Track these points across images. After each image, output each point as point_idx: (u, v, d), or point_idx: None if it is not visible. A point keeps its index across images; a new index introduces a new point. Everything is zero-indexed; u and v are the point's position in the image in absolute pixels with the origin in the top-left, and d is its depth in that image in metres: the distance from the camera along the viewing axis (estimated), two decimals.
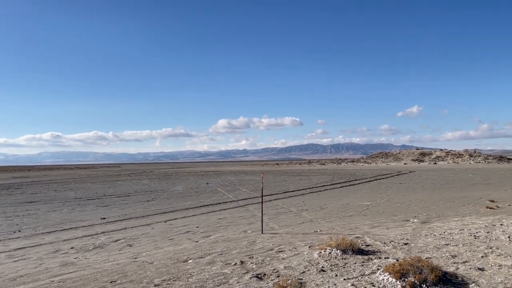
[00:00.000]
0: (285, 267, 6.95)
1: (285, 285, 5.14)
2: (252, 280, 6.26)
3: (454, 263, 6.76)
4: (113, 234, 12.06)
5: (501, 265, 6.58)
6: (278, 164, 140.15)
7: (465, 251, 7.66)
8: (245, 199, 22.78)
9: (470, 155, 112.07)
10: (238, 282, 6.17)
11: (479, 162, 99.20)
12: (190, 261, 7.90)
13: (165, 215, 16.38)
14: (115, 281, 6.58)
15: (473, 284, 5.61)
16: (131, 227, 13.24)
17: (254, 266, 7.11)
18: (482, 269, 6.36)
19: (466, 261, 6.86)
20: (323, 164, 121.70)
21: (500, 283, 5.63)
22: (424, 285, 5.53)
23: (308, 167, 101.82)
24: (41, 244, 10.86)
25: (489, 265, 6.59)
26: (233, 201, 21.86)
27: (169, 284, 6.28)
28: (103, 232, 12.46)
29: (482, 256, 7.19)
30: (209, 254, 8.43)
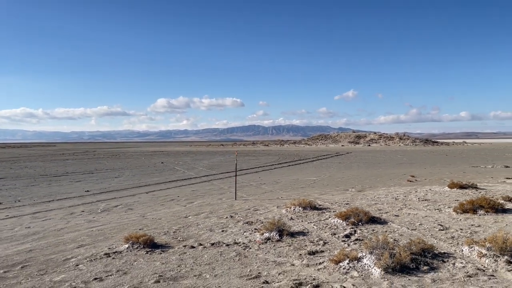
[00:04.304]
0: (264, 218, 9.67)
1: (273, 222, 7.85)
2: (244, 225, 8.92)
3: (379, 213, 9.90)
4: (108, 202, 14.05)
5: (410, 213, 9.82)
6: (222, 145, 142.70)
7: (388, 207, 10.90)
8: (206, 175, 25.22)
9: (400, 138, 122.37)
10: (236, 226, 8.79)
11: (408, 145, 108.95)
12: (190, 217, 10.38)
13: (142, 188, 18.42)
14: (142, 229, 8.90)
15: (390, 222, 8.70)
16: (120, 197, 15.24)
17: (241, 218, 9.76)
18: (397, 215, 9.56)
19: (387, 212, 10.05)
20: (267, 145, 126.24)
21: (407, 221, 8.79)
22: (360, 223, 8.54)
23: (253, 148, 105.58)
24: (52, 209, 12.61)
25: (402, 213, 9.80)
26: (196, 177, 24.22)
27: (185, 228, 8.75)
28: (98, 201, 14.38)
29: (398, 209, 10.42)
30: (202, 213, 10.94)
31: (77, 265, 6.15)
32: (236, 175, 14.50)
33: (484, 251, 5.82)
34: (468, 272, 5.27)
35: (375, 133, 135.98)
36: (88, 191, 17.47)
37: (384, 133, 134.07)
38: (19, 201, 14.76)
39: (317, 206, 11.04)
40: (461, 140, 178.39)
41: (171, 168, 32.55)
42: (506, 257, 5.58)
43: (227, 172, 27.05)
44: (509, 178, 18.84)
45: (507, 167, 29.07)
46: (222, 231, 8.36)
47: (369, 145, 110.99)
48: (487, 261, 5.62)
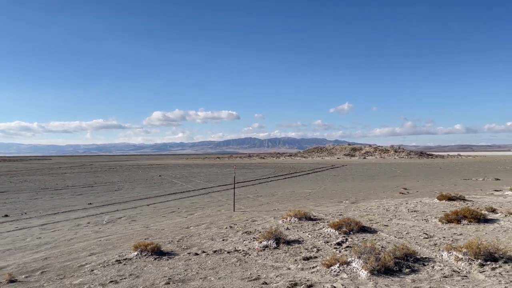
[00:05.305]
0: (262, 228, 10.29)
1: (271, 231, 8.48)
2: (243, 234, 9.54)
3: (370, 223, 10.55)
4: (112, 214, 14.60)
5: (398, 223, 10.48)
6: (219, 157, 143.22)
7: (378, 217, 11.55)
8: (204, 188, 25.80)
9: (395, 151, 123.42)
10: (235, 236, 9.41)
11: (403, 157, 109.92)
12: (192, 227, 10.97)
13: (143, 201, 18.98)
14: (147, 238, 9.49)
15: (379, 231, 9.35)
16: (122, 209, 15.79)
17: (240, 228, 10.37)
18: (386, 225, 10.21)
19: (377, 222, 10.70)
20: (263, 158, 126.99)
21: (395, 230, 9.44)
22: (351, 232, 9.18)
23: (249, 160, 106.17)
24: (58, 221, 13.13)
25: (392, 223, 10.46)
26: (195, 190, 24.79)
27: (188, 238, 9.34)
28: (102, 213, 14.92)
29: (388, 220, 11.07)
30: (202, 224, 11.53)
31: (92, 270, 6.74)
32: (234, 188, 15.13)
33: (460, 256, 6.49)
34: (444, 273, 5.92)
35: (370, 145, 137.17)
36: (91, 203, 18.00)
37: (379, 146, 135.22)
38: (25, 213, 15.28)
39: (312, 217, 11.67)
40: (456, 153, 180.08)
41: (169, 181, 33.10)
42: (479, 260, 6.25)
43: (225, 185, 27.64)
44: (497, 190, 19.56)
45: (497, 179, 29.84)
46: (223, 240, 8.97)
47: (365, 158, 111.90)
48: (462, 264, 6.28)
